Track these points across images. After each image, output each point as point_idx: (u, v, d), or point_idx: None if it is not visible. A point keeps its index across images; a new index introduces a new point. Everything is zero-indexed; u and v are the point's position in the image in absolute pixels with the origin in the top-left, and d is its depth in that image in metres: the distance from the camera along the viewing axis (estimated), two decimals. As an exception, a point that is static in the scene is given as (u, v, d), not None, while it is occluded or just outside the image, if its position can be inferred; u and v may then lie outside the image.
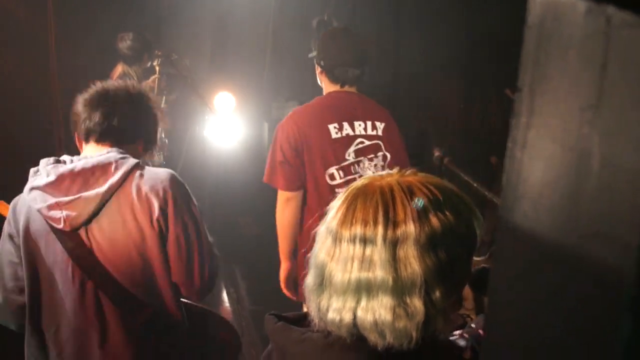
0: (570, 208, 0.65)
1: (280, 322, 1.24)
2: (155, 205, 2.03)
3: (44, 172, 2.03)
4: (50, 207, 1.97)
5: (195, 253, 2.10)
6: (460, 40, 6.70)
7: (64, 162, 2.06)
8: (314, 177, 3.10)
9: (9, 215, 2.09)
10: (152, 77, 5.38)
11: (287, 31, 6.53)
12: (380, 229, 1.09)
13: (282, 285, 3.27)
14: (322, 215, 1.18)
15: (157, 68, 5.17)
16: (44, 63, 4.70)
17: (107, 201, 2.00)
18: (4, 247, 2.08)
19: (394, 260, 1.08)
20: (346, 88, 3.18)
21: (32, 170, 2.09)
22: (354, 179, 2.97)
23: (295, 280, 3.24)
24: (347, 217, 1.13)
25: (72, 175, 2.01)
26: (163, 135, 5.21)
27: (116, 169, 2.03)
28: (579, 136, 0.63)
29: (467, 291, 1.43)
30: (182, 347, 2.16)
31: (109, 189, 2.00)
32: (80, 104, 2.16)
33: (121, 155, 2.07)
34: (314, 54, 3.36)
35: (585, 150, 0.62)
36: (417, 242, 1.08)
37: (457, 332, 1.32)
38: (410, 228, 1.08)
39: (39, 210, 1.99)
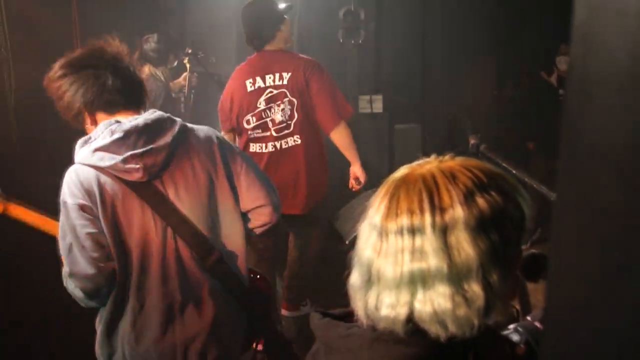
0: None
1: (326, 318, 1.24)
2: (216, 148, 2.26)
3: (108, 131, 2.09)
4: (126, 161, 2.06)
5: (264, 176, 2.40)
6: (491, 24, 6.60)
7: (123, 123, 2.13)
8: (238, 122, 3.96)
9: (72, 188, 2.07)
10: (184, 75, 5.40)
11: (313, 23, 6.49)
12: (427, 217, 1.07)
13: None
14: None
15: (187, 65, 5.18)
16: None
17: (174, 150, 2.16)
18: (76, 221, 2.05)
19: (446, 247, 1.06)
20: (266, 48, 3.90)
21: (81, 139, 2.14)
22: (265, 123, 3.88)
23: None
24: (391, 210, 1.12)
25: (138, 130, 2.11)
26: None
27: (171, 125, 2.20)
28: None
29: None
30: (238, 294, 2.32)
31: (173, 139, 2.15)
32: (73, 78, 2.14)
33: (167, 115, 2.24)
34: None
35: None
36: (467, 226, 1.06)
37: (511, 325, 1.28)
38: (458, 212, 1.06)
39: (111, 167, 2.05)
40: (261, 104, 3.88)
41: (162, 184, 2.14)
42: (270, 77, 3.86)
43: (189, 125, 2.29)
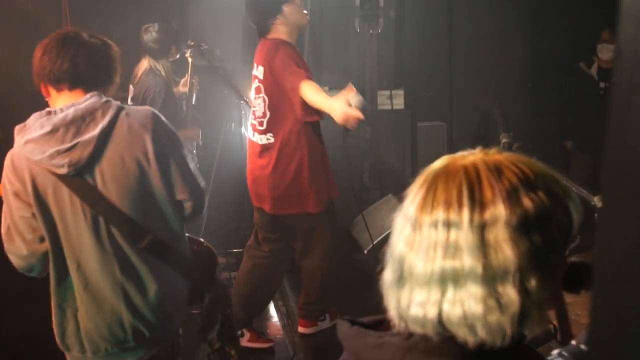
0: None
1: (355, 327, 1.24)
2: (148, 138, 2.46)
3: (38, 124, 2.38)
4: (52, 157, 2.34)
5: (189, 172, 2.60)
6: (524, 9, 6.57)
7: (55, 113, 2.40)
8: None
9: (8, 174, 2.42)
10: (183, 80, 5.38)
11: (326, 12, 6.48)
12: (465, 211, 1.07)
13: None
14: None
15: (189, 60, 5.16)
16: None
17: (103, 142, 2.40)
18: (12, 204, 2.43)
19: (483, 245, 1.05)
20: (267, 36, 3.98)
21: (18, 127, 2.43)
22: (254, 112, 4.07)
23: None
24: (427, 201, 1.12)
25: (65, 123, 2.37)
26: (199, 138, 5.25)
27: (103, 113, 2.42)
28: None
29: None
30: (179, 267, 2.67)
31: (102, 132, 2.39)
32: (42, 52, 2.46)
33: (104, 100, 2.46)
34: None
35: None
36: (508, 225, 1.05)
37: (555, 351, 1.25)
38: (499, 209, 1.06)
39: (40, 161, 2.36)
40: (252, 93, 4.13)
41: (90, 175, 2.42)
42: (256, 68, 4.05)
43: (126, 109, 2.49)
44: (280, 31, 3.95)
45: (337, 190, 4.22)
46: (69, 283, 2.53)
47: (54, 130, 2.36)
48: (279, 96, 3.89)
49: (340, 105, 3.45)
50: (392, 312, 1.16)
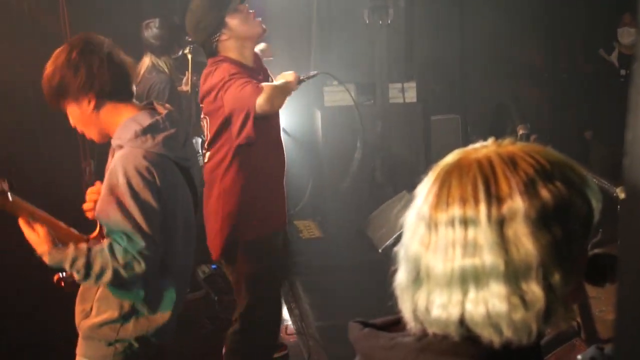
0: None
1: (367, 329, 1.23)
2: None
3: (163, 124, 2.58)
4: (180, 153, 2.65)
5: None
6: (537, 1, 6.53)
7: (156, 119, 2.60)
8: None
9: (152, 173, 2.48)
10: (185, 79, 5.37)
11: (334, 3, 6.49)
12: (482, 207, 1.06)
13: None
14: None
15: (189, 56, 5.16)
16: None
17: None
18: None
19: (503, 241, 1.04)
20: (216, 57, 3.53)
21: (140, 127, 2.52)
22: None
23: None
24: (442, 198, 1.10)
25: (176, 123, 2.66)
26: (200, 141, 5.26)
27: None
28: None
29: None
30: None
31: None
32: (88, 61, 2.49)
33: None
34: None
35: None
36: (527, 218, 1.04)
37: (579, 356, 1.25)
38: (517, 203, 1.05)
39: (174, 157, 2.61)
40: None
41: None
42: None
43: None
44: (228, 48, 3.50)
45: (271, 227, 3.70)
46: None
47: (176, 131, 2.65)
48: (216, 119, 3.45)
49: (285, 77, 3.54)
50: (407, 315, 1.15)
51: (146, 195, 2.46)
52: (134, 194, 2.44)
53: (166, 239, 2.56)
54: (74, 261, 2.43)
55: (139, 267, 2.44)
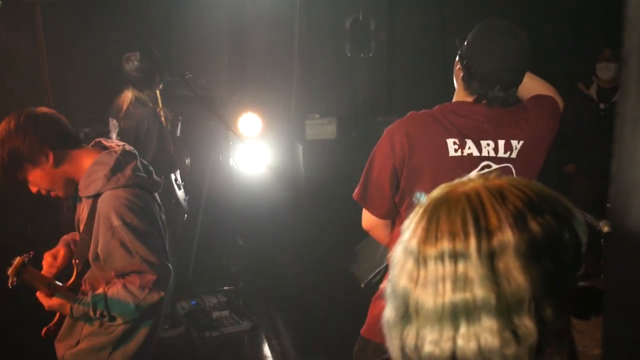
0: None
1: None
2: None
3: (124, 160, 2.71)
4: (148, 180, 2.78)
5: None
6: (525, 27, 6.62)
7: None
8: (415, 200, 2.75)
9: (138, 204, 2.64)
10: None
11: (315, 36, 6.52)
12: (472, 241, 1.06)
13: None
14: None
15: (157, 91, 5.11)
16: (39, 94, 4.81)
17: None
18: None
19: (494, 275, 1.04)
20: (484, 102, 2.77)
21: (108, 169, 2.62)
22: None
23: None
24: (430, 232, 1.10)
25: None
26: (188, 162, 5.25)
27: None
28: None
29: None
30: None
31: None
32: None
33: None
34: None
35: None
36: (517, 251, 1.04)
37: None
38: (507, 236, 1.05)
39: (144, 185, 2.75)
40: None
41: None
42: (489, 145, 2.84)
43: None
44: None
45: None
46: None
47: None
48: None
49: None
50: (395, 353, 1.14)
51: (143, 226, 2.60)
52: (132, 229, 2.56)
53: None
54: (95, 310, 2.56)
55: (158, 296, 2.57)
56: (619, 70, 5.67)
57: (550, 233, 1.07)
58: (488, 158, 2.77)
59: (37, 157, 2.58)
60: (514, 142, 2.79)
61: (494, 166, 2.74)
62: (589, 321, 1.19)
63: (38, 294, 2.59)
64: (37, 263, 2.61)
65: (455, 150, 2.73)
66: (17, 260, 2.45)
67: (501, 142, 2.76)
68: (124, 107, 4.93)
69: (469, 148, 2.73)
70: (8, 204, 4.30)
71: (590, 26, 6.21)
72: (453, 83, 2.92)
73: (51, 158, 2.59)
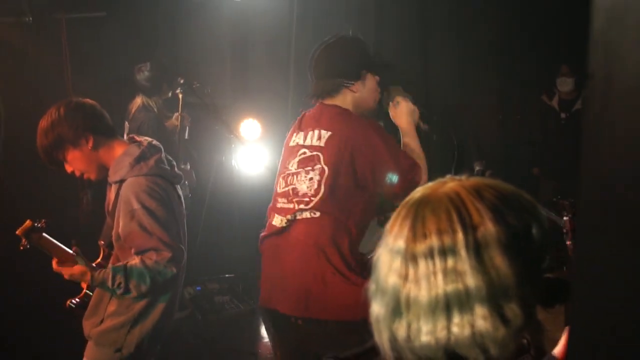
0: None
1: None
2: None
3: (149, 152, 2.79)
4: (170, 172, 2.89)
5: None
6: (496, 49, 6.64)
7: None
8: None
9: (158, 191, 2.69)
10: (175, 115, 5.33)
11: (310, 50, 6.49)
12: (460, 236, 1.06)
13: None
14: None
15: (180, 96, 5.12)
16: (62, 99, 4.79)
17: None
18: None
19: (482, 266, 1.05)
20: (325, 101, 2.95)
21: (132, 158, 2.70)
22: (287, 192, 2.81)
23: None
24: (418, 231, 1.09)
25: None
26: (189, 167, 5.25)
27: None
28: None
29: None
30: None
31: None
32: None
33: None
34: None
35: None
36: (499, 243, 1.06)
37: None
38: (490, 229, 1.06)
39: (166, 176, 2.82)
40: (292, 166, 2.93)
41: None
42: (310, 134, 2.94)
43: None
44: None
45: None
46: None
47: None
48: (338, 167, 2.80)
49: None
50: (385, 345, 1.12)
51: (160, 210, 2.63)
52: (151, 213, 2.60)
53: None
54: (114, 278, 2.55)
55: (171, 271, 2.58)
56: (576, 84, 5.70)
57: (524, 224, 1.09)
58: (306, 146, 2.87)
59: (79, 140, 2.66)
60: (324, 132, 2.84)
61: (308, 153, 2.84)
62: (552, 310, 1.20)
63: (55, 263, 2.59)
64: (59, 237, 2.63)
65: (292, 141, 2.97)
66: (27, 222, 2.50)
67: (317, 131, 2.86)
68: (132, 111, 5.06)
69: (297, 138, 2.94)
70: (28, 198, 4.28)
71: (552, 44, 6.25)
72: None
73: (91, 142, 2.68)
